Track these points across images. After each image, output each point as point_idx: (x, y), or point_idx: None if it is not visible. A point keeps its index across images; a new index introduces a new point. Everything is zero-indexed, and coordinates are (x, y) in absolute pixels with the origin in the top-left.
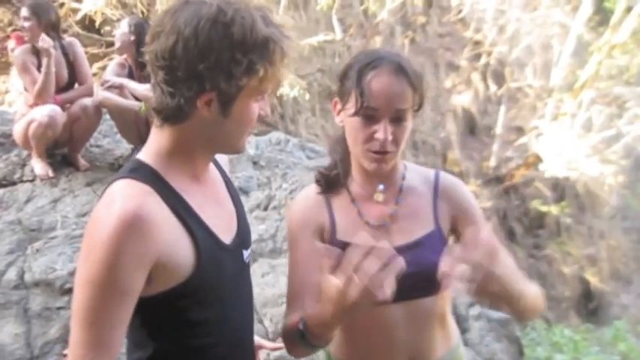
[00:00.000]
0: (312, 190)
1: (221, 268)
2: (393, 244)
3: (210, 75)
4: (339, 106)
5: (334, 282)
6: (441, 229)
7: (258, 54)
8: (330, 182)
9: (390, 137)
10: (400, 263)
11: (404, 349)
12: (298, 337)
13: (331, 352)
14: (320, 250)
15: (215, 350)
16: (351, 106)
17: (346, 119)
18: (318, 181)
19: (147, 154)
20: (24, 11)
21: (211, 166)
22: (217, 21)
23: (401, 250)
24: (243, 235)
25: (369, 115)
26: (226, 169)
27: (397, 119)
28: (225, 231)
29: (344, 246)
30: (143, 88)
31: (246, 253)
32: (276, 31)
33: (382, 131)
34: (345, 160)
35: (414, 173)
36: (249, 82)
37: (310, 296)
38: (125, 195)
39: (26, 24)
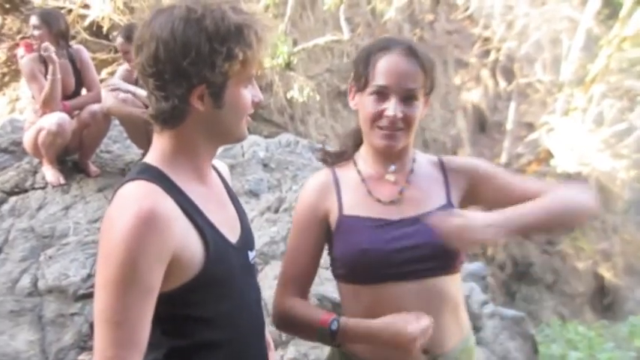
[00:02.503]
0: (321, 174)
1: (229, 264)
2: (402, 216)
3: (194, 69)
4: (353, 90)
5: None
6: (453, 204)
7: (234, 40)
8: (335, 157)
9: (399, 115)
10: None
11: None
12: (323, 333)
13: None
14: None
15: (228, 345)
16: (363, 87)
17: (359, 101)
18: (323, 160)
19: (152, 158)
20: (34, 20)
21: (212, 172)
22: (189, 19)
23: (410, 222)
24: (247, 237)
25: (379, 93)
26: (228, 179)
27: (407, 98)
28: (229, 230)
29: (350, 218)
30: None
31: (251, 255)
32: (247, 16)
33: (392, 108)
34: (355, 138)
35: (423, 158)
36: (232, 68)
37: (303, 281)
38: (138, 195)
39: (36, 32)
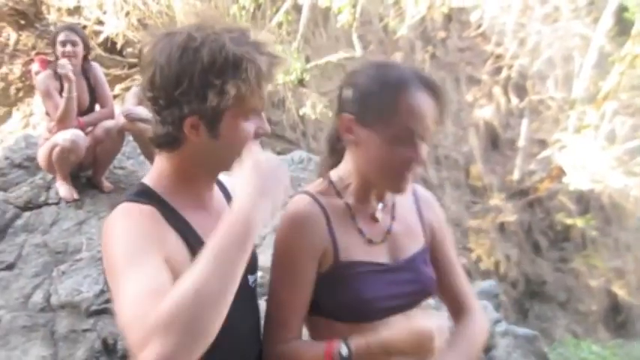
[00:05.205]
0: (305, 203)
1: None
2: (395, 261)
3: (185, 99)
4: (357, 124)
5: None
6: (428, 243)
7: (230, 74)
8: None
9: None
10: None
11: None
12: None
13: None
14: None
15: None
16: (385, 128)
17: (365, 137)
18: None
19: (150, 178)
20: (71, 35)
21: (219, 195)
22: (188, 47)
23: (403, 268)
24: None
25: (406, 137)
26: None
27: None
28: None
29: (348, 265)
30: None
31: (251, 278)
32: (249, 48)
33: (424, 153)
34: (333, 160)
35: None
36: (224, 103)
37: (299, 322)
38: (126, 212)
39: (71, 48)
